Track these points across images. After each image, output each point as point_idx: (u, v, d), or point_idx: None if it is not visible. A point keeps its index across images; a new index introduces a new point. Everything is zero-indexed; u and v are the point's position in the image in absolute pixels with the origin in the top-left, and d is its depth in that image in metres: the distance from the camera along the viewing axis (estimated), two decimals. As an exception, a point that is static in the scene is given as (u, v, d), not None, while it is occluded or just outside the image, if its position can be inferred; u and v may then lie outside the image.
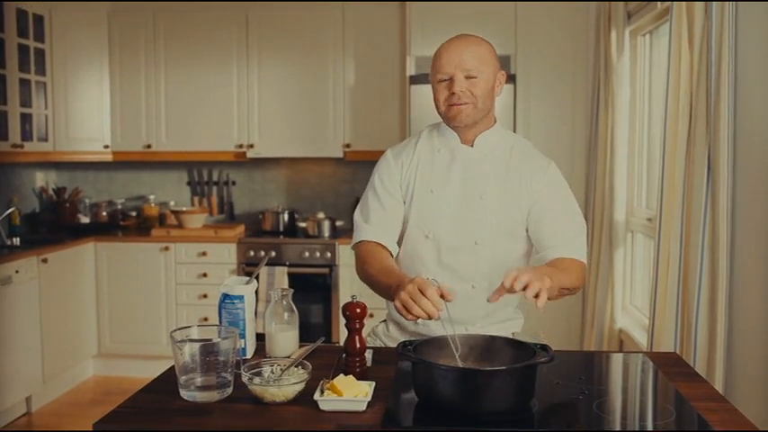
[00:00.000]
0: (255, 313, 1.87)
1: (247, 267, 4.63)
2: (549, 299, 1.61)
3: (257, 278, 1.89)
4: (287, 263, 4.60)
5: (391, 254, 1.99)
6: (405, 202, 2.03)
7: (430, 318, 1.57)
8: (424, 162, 2.02)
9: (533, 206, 1.97)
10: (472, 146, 1.99)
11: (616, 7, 3.74)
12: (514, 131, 4.24)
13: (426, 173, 2.01)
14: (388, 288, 1.76)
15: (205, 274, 4.70)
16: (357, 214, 2.07)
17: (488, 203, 1.95)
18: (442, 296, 1.59)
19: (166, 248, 4.73)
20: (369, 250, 1.98)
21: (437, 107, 1.97)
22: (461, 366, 1.56)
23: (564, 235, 1.96)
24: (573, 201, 2.03)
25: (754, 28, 2.28)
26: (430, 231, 1.98)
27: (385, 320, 2.16)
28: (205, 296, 4.70)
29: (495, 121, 2.03)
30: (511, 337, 1.98)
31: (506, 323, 2.06)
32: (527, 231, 2.00)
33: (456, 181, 1.98)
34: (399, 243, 2.05)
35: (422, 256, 1.99)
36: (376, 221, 2.01)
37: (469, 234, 1.96)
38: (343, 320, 1.70)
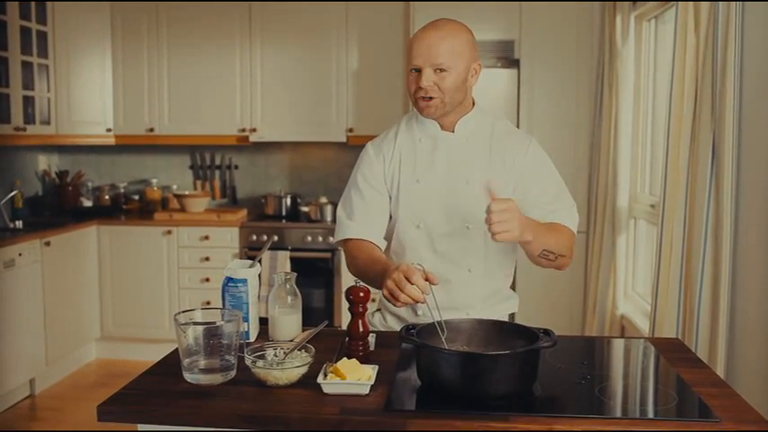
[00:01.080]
0: (258, 297, 1.88)
1: (250, 251, 4.64)
2: (532, 260, 1.83)
3: (260, 262, 1.89)
4: (289, 247, 4.60)
5: (379, 248, 1.99)
6: (391, 196, 2.01)
7: (416, 302, 1.60)
8: (407, 153, 2.00)
9: (518, 184, 1.96)
10: (453, 131, 1.98)
11: (621, -8, 3.72)
12: (518, 117, 4.23)
13: (410, 164, 1.99)
14: (376, 278, 1.76)
15: (207, 258, 4.71)
16: (340, 210, 2.05)
17: (475, 187, 1.93)
18: (427, 280, 1.61)
19: (169, 232, 4.74)
20: (356, 246, 1.97)
21: (409, 95, 1.95)
22: (464, 350, 1.56)
23: (552, 205, 1.95)
24: (558, 177, 2.02)
25: (760, 14, 2.26)
26: (420, 221, 1.97)
27: (379, 309, 2.15)
28: (207, 280, 4.71)
29: (474, 104, 2.01)
30: (507, 319, 2.01)
31: (504, 303, 2.06)
32: None
33: (441, 168, 1.97)
34: (387, 237, 2.04)
35: (414, 247, 1.99)
36: (360, 218, 2.00)
37: (460, 219, 1.95)
38: (345, 305, 1.70)
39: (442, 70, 1.86)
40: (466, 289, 1.97)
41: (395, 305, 1.64)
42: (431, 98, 1.88)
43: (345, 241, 2.01)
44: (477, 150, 1.97)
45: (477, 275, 1.97)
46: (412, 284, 1.59)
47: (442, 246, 1.97)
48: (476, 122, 1.99)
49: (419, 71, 1.88)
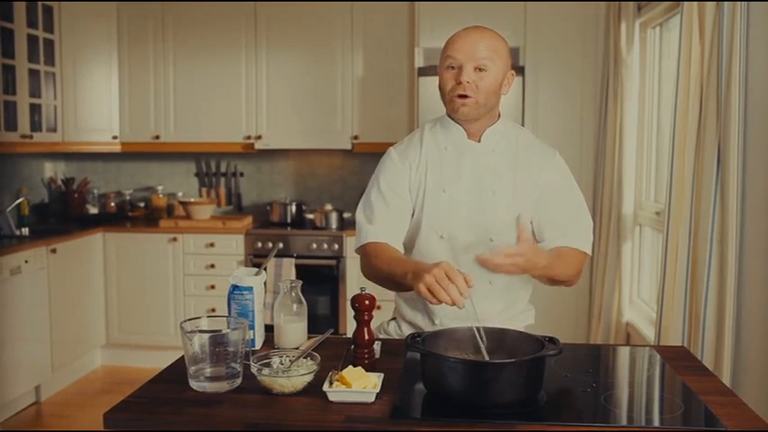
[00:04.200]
0: (263, 305, 1.88)
1: (255, 259, 4.64)
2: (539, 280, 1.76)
3: (265, 269, 1.89)
4: (294, 254, 4.61)
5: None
6: (414, 204, 1.98)
7: (454, 304, 1.55)
8: (433, 161, 1.97)
9: (540, 196, 1.96)
10: (479, 141, 1.96)
11: (626, -1, 3.73)
12: (523, 124, 4.23)
13: (436, 172, 1.96)
14: (403, 275, 1.70)
15: (213, 266, 4.72)
16: (360, 215, 2.01)
17: (501, 198, 1.93)
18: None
19: (174, 239, 4.75)
20: (376, 247, 1.92)
21: (442, 95, 1.92)
22: (469, 359, 1.56)
23: (568, 226, 1.95)
24: (578, 192, 2.02)
25: (765, 20, 2.26)
26: (444, 231, 1.94)
27: (395, 318, 2.13)
28: (213, 287, 4.71)
29: (500, 116, 2.00)
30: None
31: (521, 315, 2.06)
32: (531, 222, 1.99)
33: (467, 178, 1.95)
34: (405, 245, 2.02)
35: (437, 257, 1.94)
36: (381, 222, 1.96)
37: (484, 231, 1.93)
38: (350, 312, 1.70)
39: (481, 69, 1.85)
40: (486, 301, 1.93)
41: (430, 302, 1.60)
42: (468, 96, 1.86)
43: (363, 245, 1.96)
44: (503, 161, 1.96)
45: (497, 288, 1.96)
46: (453, 285, 1.55)
47: (464, 257, 1.93)
48: (502, 133, 1.98)
49: (457, 69, 1.87)
